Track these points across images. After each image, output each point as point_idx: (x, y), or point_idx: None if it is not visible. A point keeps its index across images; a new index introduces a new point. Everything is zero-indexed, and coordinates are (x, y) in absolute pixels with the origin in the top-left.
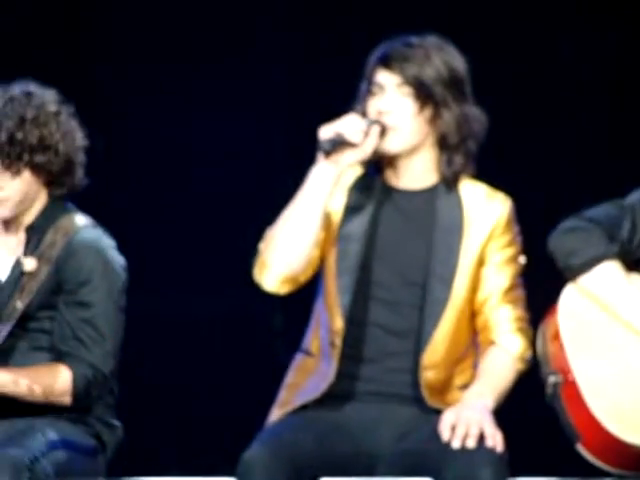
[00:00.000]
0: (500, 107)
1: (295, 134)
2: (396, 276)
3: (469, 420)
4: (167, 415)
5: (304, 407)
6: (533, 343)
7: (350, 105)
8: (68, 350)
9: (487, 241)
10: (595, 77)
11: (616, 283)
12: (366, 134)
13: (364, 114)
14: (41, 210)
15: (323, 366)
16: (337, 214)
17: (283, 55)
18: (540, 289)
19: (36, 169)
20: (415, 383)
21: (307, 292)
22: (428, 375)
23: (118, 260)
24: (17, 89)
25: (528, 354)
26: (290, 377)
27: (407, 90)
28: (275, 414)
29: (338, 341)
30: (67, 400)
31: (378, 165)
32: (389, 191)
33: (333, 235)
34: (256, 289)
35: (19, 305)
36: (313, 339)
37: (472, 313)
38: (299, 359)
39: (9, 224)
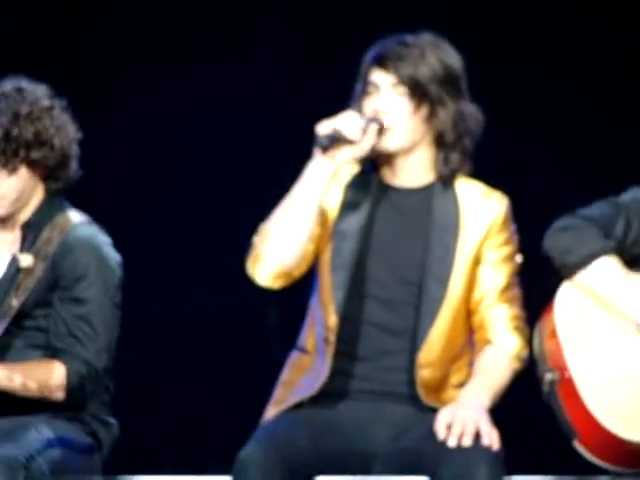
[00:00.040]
0: (496, 106)
1: (292, 132)
2: (392, 274)
3: (465, 418)
4: (162, 413)
5: (299, 405)
6: (529, 342)
7: (347, 104)
8: (63, 347)
9: (483, 240)
10: (591, 75)
11: (614, 278)
12: (364, 132)
13: (360, 113)
14: (37, 207)
15: (318, 363)
16: (333, 211)
17: (281, 55)
18: (536, 288)
19: (32, 165)
20: (411, 381)
21: (303, 288)
22: (424, 374)
23: (114, 257)
24: (9, 85)
25: (524, 353)
26: (285, 375)
27: (402, 89)
28: (270, 412)
29: (332, 338)
30: (61, 395)
31: (375, 163)
32: (385, 189)
33: (328, 232)
34: (251, 286)
35: (15, 303)
36: (308, 336)
37: (468, 312)
38: (294, 356)
39: (5, 221)
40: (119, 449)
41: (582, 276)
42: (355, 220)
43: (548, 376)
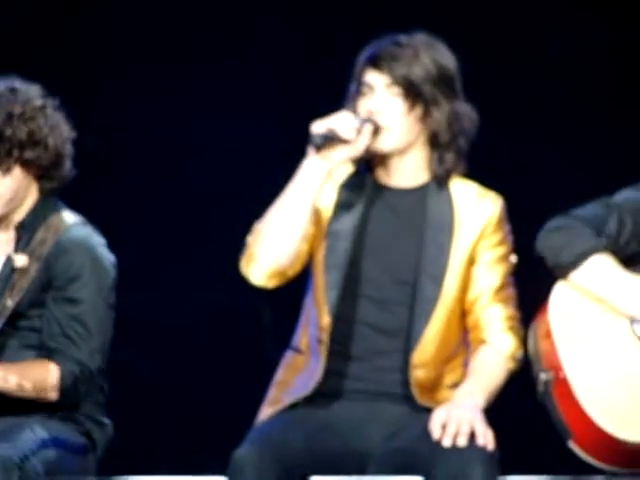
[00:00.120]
0: (489, 106)
1: (288, 131)
2: (386, 274)
3: (460, 418)
4: (156, 413)
5: (294, 405)
6: (524, 342)
7: (342, 104)
8: (56, 347)
9: (478, 240)
10: (587, 75)
11: (608, 275)
12: (358, 132)
13: (355, 113)
14: (32, 207)
15: (312, 364)
16: (327, 210)
17: (277, 55)
18: (531, 288)
19: (26, 165)
20: (405, 382)
21: (297, 288)
22: (418, 374)
23: (108, 257)
24: (1, 85)
25: (519, 353)
26: (279, 375)
27: (396, 90)
28: (265, 412)
29: (325, 338)
30: (54, 396)
31: (369, 163)
32: (380, 189)
33: (322, 231)
34: (245, 286)
35: (9, 303)
36: (302, 336)
37: (462, 312)
38: (288, 356)
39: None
40: (113, 449)
41: (576, 275)
42: (349, 220)
43: (543, 376)
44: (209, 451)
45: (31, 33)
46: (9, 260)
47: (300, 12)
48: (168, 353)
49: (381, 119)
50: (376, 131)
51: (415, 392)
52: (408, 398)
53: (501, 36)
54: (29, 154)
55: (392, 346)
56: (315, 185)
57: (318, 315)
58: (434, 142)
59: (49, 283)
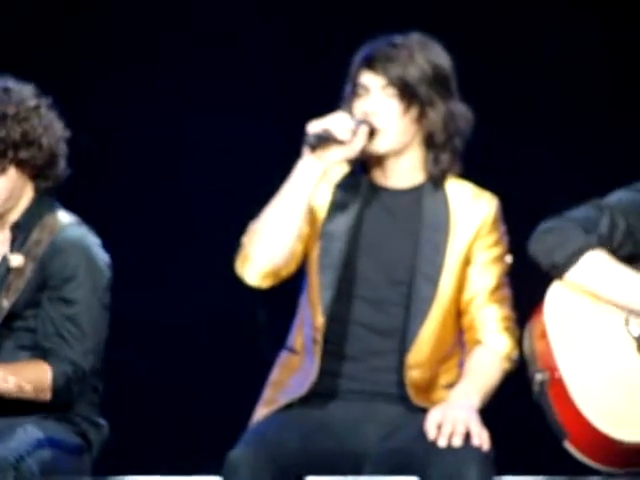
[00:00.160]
0: (485, 106)
1: (283, 132)
2: (381, 274)
3: (455, 419)
4: (152, 413)
5: (289, 405)
6: (519, 342)
7: (338, 105)
8: (50, 347)
9: (473, 240)
10: (580, 75)
11: (604, 270)
12: (354, 133)
13: (350, 114)
14: (27, 207)
15: (306, 364)
16: (322, 210)
17: (272, 55)
18: (526, 288)
19: (21, 165)
20: (400, 382)
21: (292, 288)
22: (413, 374)
23: (103, 258)
24: None
25: (514, 353)
26: (274, 375)
27: (392, 91)
28: (260, 413)
29: (320, 338)
30: (47, 396)
31: (365, 164)
32: (375, 189)
33: (317, 231)
34: (239, 286)
35: (5, 304)
36: (297, 336)
37: (458, 312)
38: (283, 356)
39: None
40: (109, 450)
41: (571, 274)
42: (344, 220)
43: (538, 376)
44: (204, 451)
45: (31, 33)
46: (5, 260)
47: (296, 12)
48: (163, 354)
49: (377, 120)
50: (372, 132)
51: (410, 392)
52: (403, 398)
53: (497, 36)
54: (24, 154)
55: (387, 346)
56: (310, 185)
57: (313, 315)
58: (430, 142)
59: (44, 283)
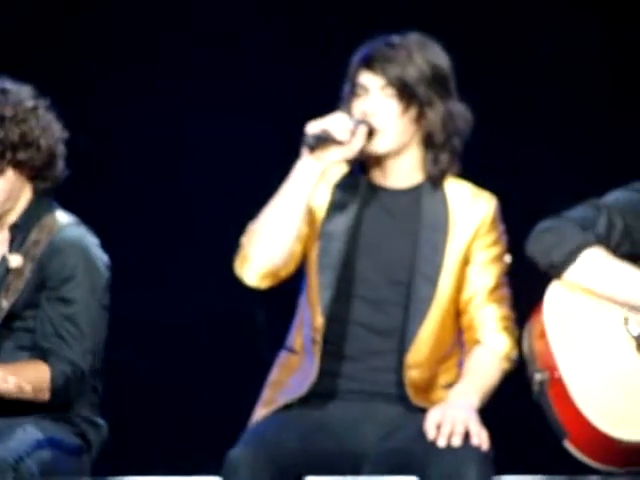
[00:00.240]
0: (483, 107)
1: (282, 132)
2: (380, 274)
3: (454, 418)
4: (150, 413)
5: (288, 406)
6: (518, 342)
7: (336, 106)
8: (49, 347)
9: (472, 240)
10: (578, 75)
11: (603, 267)
12: (353, 133)
13: (349, 114)
14: (25, 208)
15: (306, 364)
16: (321, 211)
17: (273, 55)
18: (525, 288)
19: (19, 166)
20: (399, 382)
21: (291, 288)
22: (412, 374)
23: (101, 258)
24: None
25: (514, 353)
26: (274, 375)
27: (391, 91)
28: (259, 413)
29: (319, 338)
30: (46, 396)
31: (364, 164)
32: (374, 189)
33: (316, 231)
34: (239, 286)
35: (4, 304)
36: (297, 336)
37: (457, 312)
38: (282, 357)
39: None
40: (108, 450)
41: (570, 272)
42: (343, 220)
43: (538, 376)
44: (203, 451)
45: (31, 33)
46: (4, 261)
47: (296, 12)
48: (162, 354)
49: (376, 121)
50: (370, 133)
51: (409, 392)
52: (402, 398)
53: (495, 36)
54: (22, 156)
55: (386, 346)
56: (309, 186)
57: (312, 315)
58: (428, 142)
59: (43, 283)
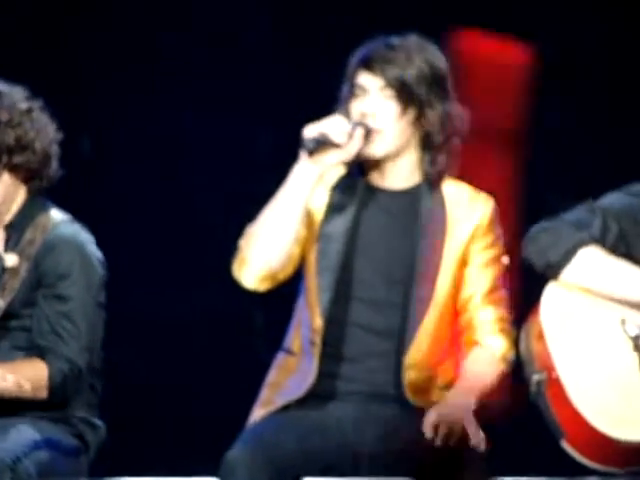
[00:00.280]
0: None
1: (282, 132)
2: (379, 275)
3: (452, 419)
4: (148, 414)
5: (286, 406)
6: (516, 343)
7: (334, 107)
8: (46, 344)
9: (470, 242)
10: (576, 76)
11: (600, 265)
12: (350, 136)
13: (347, 116)
14: (20, 208)
15: (304, 365)
16: (319, 213)
17: (271, 56)
18: (523, 289)
19: (15, 169)
20: (398, 383)
21: (289, 290)
22: (411, 375)
23: (96, 254)
24: None
25: (511, 355)
26: (272, 376)
27: (390, 92)
28: (257, 413)
29: (318, 340)
30: (44, 394)
31: (361, 165)
32: (372, 191)
33: (314, 234)
34: (237, 287)
35: (1, 304)
36: (294, 338)
37: (455, 313)
38: (280, 358)
39: None
40: (105, 451)
41: (567, 272)
42: (341, 222)
43: (535, 377)
44: (201, 452)
45: (31, 33)
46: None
47: (296, 12)
48: (160, 354)
49: (374, 121)
50: (368, 135)
51: (408, 393)
52: (401, 399)
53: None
54: (18, 159)
55: (385, 347)
56: (307, 189)
57: (311, 317)
58: (427, 144)
59: (39, 282)
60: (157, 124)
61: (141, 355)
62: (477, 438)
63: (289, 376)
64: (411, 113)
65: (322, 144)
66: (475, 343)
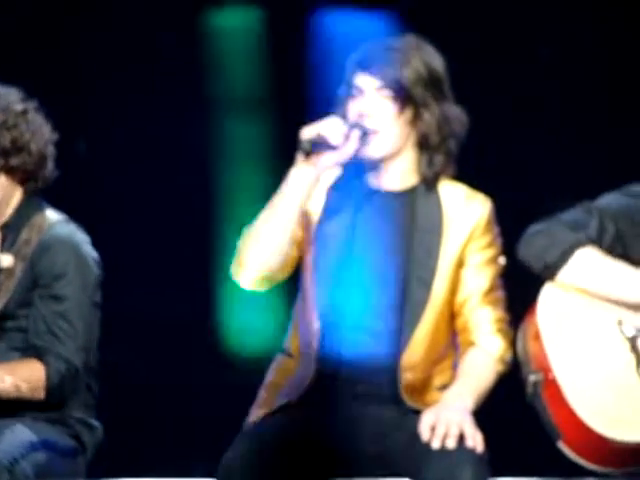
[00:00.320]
0: (479, 108)
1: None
2: (375, 277)
3: (449, 420)
4: (146, 416)
5: (284, 407)
6: (513, 344)
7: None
8: (43, 345)
9: (467, 242)
10: (574, 76)
11: (596, 265)
12: (347, 137)
13: (344, 117)
14: (15, 208)
15: (302, 367)
16: (316, 214)
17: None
18: (520, 290)
19: (11, 171)
20: (394, 384)
21: (287, 292)
22: (407, 376)
23: (91, 254)
24: None
25: (508, 355)
26: (270, 377)
27: (387, 93)
28: (255, 414)
29: (315, 342)
30: (41, 394)
31: (358, 166)
32: (369, 192)
33: (311, 235)
34: (234, 288)
35: None
36: (293, 339)
37: (451, 314)
38: (279, 359)
39: None
40: (103, 452)
41: (564, 273)
42: (338, 223)
43: (532, 377)
44: (198, 453)
45: (31, 33)
46: None
47: (294, 13)
48: (157, 355)
49: (371, 122)
50: (364, 136)
51: (404, 394)
52: (397, 400)
53: (492, 37)
54: (14, 161)
55: (381, 349)
56: (304, 192)
57: (308, 319)
58: (423, 145)
59: (35, 282)
60: (156, 124)
61: (138, 356)
62: (474, 439)
63: (287, 378)
64: (408, 114)
65: (319, 146)
66: (472, 344)
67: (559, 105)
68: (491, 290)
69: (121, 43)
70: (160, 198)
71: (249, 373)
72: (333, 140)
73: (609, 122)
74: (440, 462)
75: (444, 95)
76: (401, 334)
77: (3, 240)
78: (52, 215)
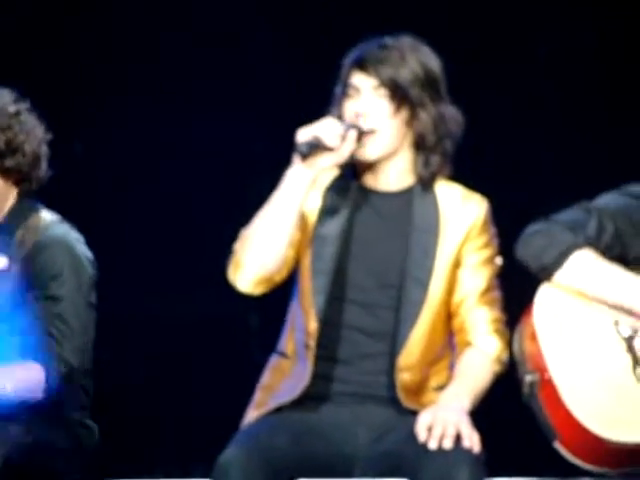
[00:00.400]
0: (476, 108)
1: (274, 135)
2: (371, 278)
3: (445, 421)
4: (143, 416)
5: (280, 408)
6: (509, 344)
7: (328, 109)
8: (39, 346)
9: (463, 243)
10: (573, 76)
11: (593, 268)
12: (343, 138)
13: (340, 117)
14: (10, 210)
15: (298, 368)
16: (313, 215)
17: (268, 58)
18: (516, 290)
19: (6, 173)
20: (391, 384)
21: (283, 293)
22: (404, 376)
23: (86, 254)
24: None
25: (505, 355)
26: (265, 378)
27: (383, 92)
28: (250, 415)
29: (312, 343)
30: (39, 396)
31: (355, 167)
32: (365, 193)
33: (309, 236)
34: (231, 290)
35: None
36: (288, 340)
37: (448, 315)
38: (274, 360)
39: None
40: (99, 453)
41: (560, 274)
42: (335, 224)
43: (528, 378)
44: (195, 454)
45: (31, 33)
46: None
47: (296, 12)
48: (156, 356)
49: (367, 121)
50: (360, 137)
51: (401, 395)
52: (394, 401)
53: (491, 36)
54: (9, 162)
55: (378, 349)
56: (300, 193)
57: (305, 320)
58: (420, 145)
59: (30, 283)
60: (155, 124)
61: (136, 357)
62: (471, 439)
63: (283, 379)
64: (404, 113)
65: (315, 147)
66: (469, 344)
67: (557, 105)
68: (488, 290)
69: (121, 43)
70: (156, 198)
71: (249, 373)
72: (329, 141)
73: (608, 122)
74: (437, 462)
75: (440, 95)
76: (397, 334)
77: None
78: (47, 216)
